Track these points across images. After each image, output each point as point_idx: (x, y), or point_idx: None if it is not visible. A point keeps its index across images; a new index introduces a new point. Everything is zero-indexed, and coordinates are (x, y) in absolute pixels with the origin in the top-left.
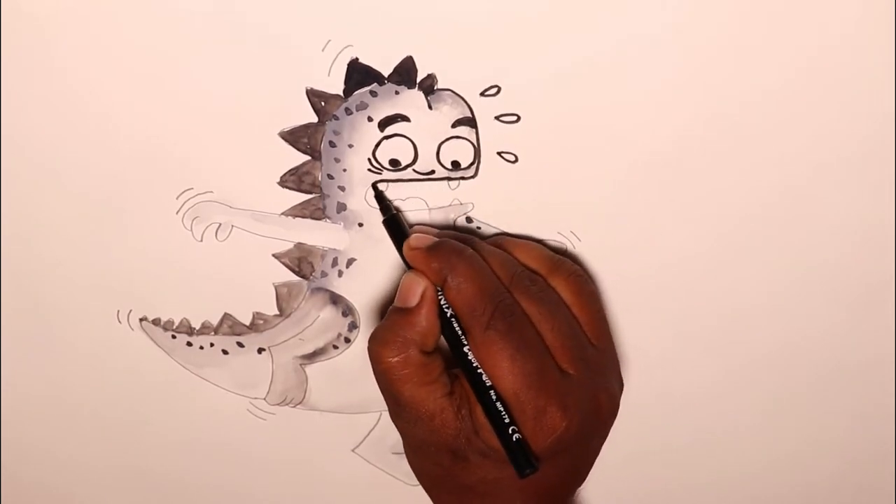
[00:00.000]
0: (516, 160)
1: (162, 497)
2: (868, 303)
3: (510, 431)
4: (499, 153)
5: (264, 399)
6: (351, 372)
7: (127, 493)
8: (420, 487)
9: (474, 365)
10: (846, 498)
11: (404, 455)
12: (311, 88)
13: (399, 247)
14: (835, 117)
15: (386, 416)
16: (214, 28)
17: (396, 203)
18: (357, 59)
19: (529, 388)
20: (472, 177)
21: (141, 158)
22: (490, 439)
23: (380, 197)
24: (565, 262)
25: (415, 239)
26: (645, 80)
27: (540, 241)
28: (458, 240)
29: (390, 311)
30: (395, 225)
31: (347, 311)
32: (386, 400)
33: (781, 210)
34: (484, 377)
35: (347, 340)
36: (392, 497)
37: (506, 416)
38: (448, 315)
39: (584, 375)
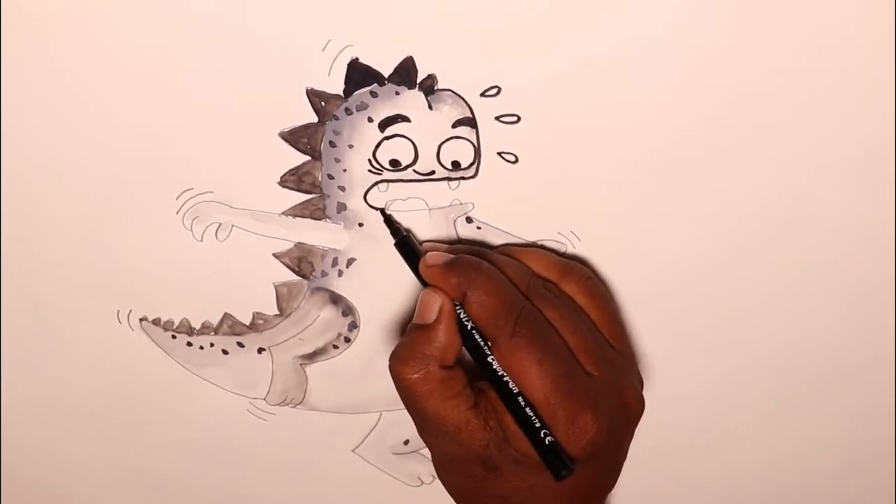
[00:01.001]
0: (516, 160)
1: (162, 497)
2: (868, 303)
3: (542, 435)
4: (499, 153)
5: (264, 399)
6: (351, 372)
7: (127, 493)
8: (420, 488)
9: (500, 374)
10: (846, 498)
11: (404, 455)
12: (312, 88)
13: (413, 266)
14: (834, 117)
15: (386, 416)
16: (214, 28)
17: (397, 203)
18: (357, 59)
19: (559, 391)
20: (473, 177)
21: (141, 158)
22: (522, 446)
23: (389, 221)
24: (575, 266)
25: (430, 257)
26: (645, 81)
27: (542, 246)
28: (470, 253)
29: (409, 328)
30: (407, 246)
31: (347, 310)
32: (412, 416)
33: (781, 210)
34: (511, 384)
35: (347, 340)
36: (392, 497)
37: (536, 421)
38: (469, 328)
39: (608, 376)
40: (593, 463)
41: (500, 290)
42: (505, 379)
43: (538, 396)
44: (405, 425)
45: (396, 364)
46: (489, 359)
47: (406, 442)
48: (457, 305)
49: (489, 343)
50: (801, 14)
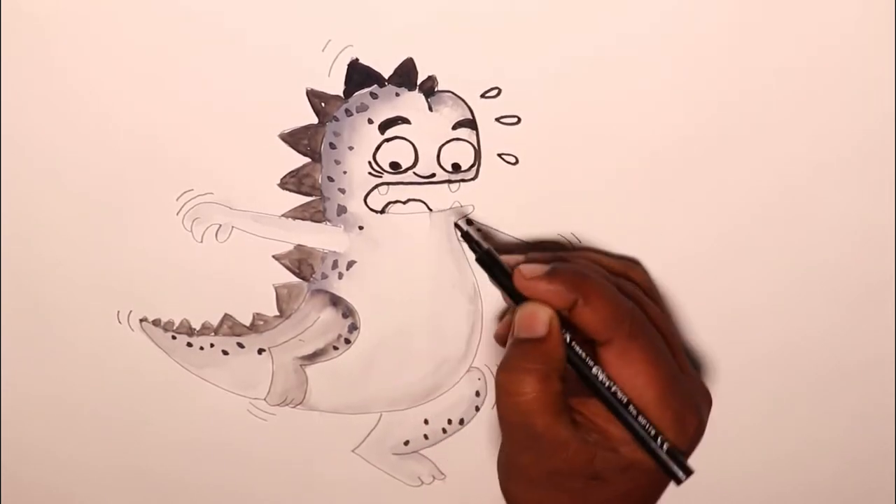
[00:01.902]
0: (517, 162)
1: (162, 497)
2: (868, 303)
3: (659, 441)
4: (499, 155)
5: (264, 399)
6: (351, 373)
7: (127, 493)
8: (420, 488)
9: (607, 384)
10: (846, 498)
11: (404, 456)
12: (312, 89)
13: (500, 281)
14: (835, 117)
15: (386, 416)
16: (214, 29)
17: (397, 206)
18: (357, 59)
19: (672, 393)
20: (473, 179)
21: (141, 159)
22: (632, 453)
23: (467, 237)
24: (634, 265)
25: (527, 270)
26: (645, 81)
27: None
28: (551, 260)
29: (516, 342)
30: (492, 260)
31: (347, 312)
32: (512, 434)
33: (782, 210)
34: (620, 394)
35: (347, 342)
36: (392, 498)
37: (651, 428)
38: (569, 339)
39: (692, 374)
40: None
41: (611, 293)
42: (613, 389)
43: (651, 399)
44: (405, 426)
45: (512, 376)
46: (594, 369)
47: (406, 442)
48: None
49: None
50: (801, 14)
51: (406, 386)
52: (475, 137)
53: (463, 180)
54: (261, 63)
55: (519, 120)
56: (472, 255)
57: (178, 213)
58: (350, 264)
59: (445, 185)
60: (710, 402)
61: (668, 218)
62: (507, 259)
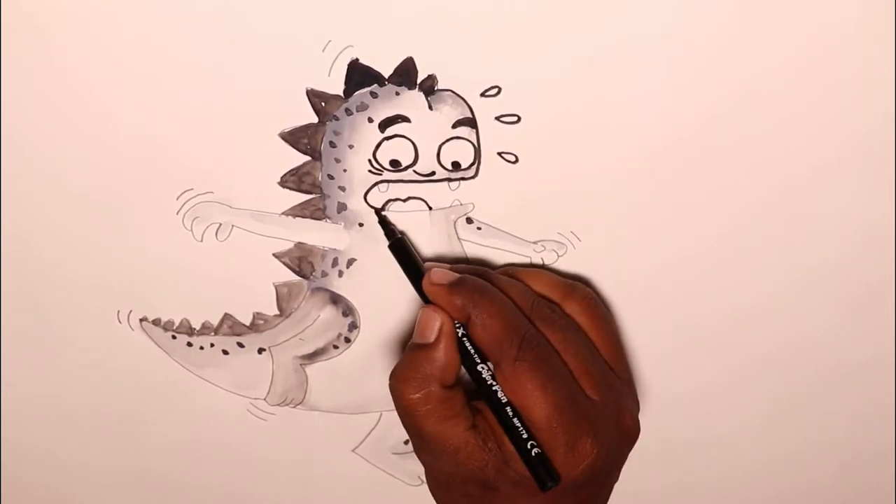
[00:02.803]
0: (517, 161)
1: (162, 497)
2: (868, 303)
3: (529, 447)
4: (499, 154)
5: (264, 399)
6: (351, 372)
7: (127, 493)
8: (420, 487)
9: (499, 396)
10: (846, 498)
11: (404, 455)
12: (312, 89)
13: (409, 272)
14: (835, 117)
15: (386, 416)
16: (214, 28)
17: (397, 203)
18: (357, 59)
19: (562, 416)
20: (473, 177)
21: (141, 158)
22: (521, 468)
23: (384, 222)
24: (578, 287)
25: (435, 274)
26: (645, 81)
27: (544, 267)
28: (473, 273)
29: (409, 347)
30: (403, 250)
31: (348, 311)
32: (410, 435)
33: (781, 210)
34: (502, 396)
35: (348, 340)
36: (392, 497)
37: (524, 432)
38: (468, 347)
39: (608, 400)
40: (589, 486)
41: (504, 314)
42: (503, 401)
43: (540, 421)
44: None
45: (396, 384)
46: (487, 381)
47: (406, 442)
48: (457, 325)
49: (489, 364)
50: (801, 14)
51: None
52: (475, 136)
53: (463, 178)
54: (261, 63)
55: (519, 119)
56: (472, 254)
57: (178, 213)
58: (350, 262)
59: (445, 183)
60: (629, 437)
61: (668, 218)
62: (429, 264)
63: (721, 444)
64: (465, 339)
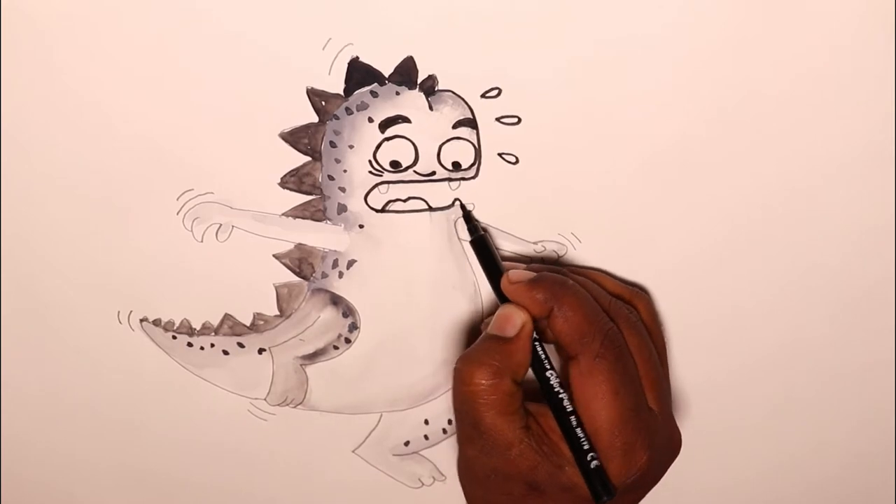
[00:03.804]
0: (517, 161)
1: (162, 497)
2: (868, 303)
3: (589, 458)
4: (499, 154)
5: (265, 399)
6: (351, 373)
7: (127, 493)
8: (420, 489)
9: (565, 404)
10: (846, 498)
11: (404, 456)
12: (312, 88)
13: (488, 270)
14: (836, 118)
15: (386, 417)
16: (214, 28)
17: (397, 204)
18: (357, 57)
19: (626, 424)
20: (473, 178)
21: (141, 159)
22: (575, 476)
23: (468, 217)
24: (642, 293)
25: (514, 274)
26: (645, 82)
27: (603, 271)
28: (550, 271)
29: (485, 336)
30: (485, 247)
31: (348, 311)
32: (461, 425)
33: (782, 211)
34: (566, 402)
35: (348, 341)
36: (392, 498)
37: (585, 443)
38: (540, 350)
39: (664, 412)
40: (630, 494)
41: (587, 307)
42: (561, 396)
43: (603, 424)
44: (405, 426)
45: (468, 366)
46: (553, 385)
47: (406, 443)
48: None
49: (553, 367)
50: (801, 16)
51: (406, 386)
52: (475, 136)
53: (463, 179)
54: (261, 62)
55: (519, 120)
56: (472, 255)
57: (178, 213)
58: (350, 263)
59: (446, 184)
60: (676, 450)
61: (668, 218)
62: (513, 265)
63: (721, 444)
64: (537, 343)
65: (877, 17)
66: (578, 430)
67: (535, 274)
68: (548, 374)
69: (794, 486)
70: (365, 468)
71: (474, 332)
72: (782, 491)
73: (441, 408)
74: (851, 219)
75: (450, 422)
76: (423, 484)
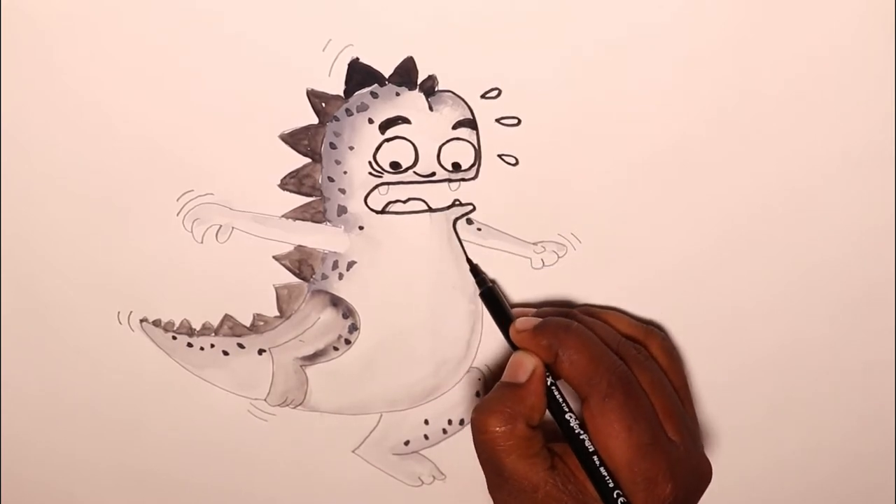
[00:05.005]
0: (517, 162)
1: (162, 497)
2: (868, 303)
3: (615, 495)
4: (499, 155)
5: (265, 400)
6: (351, 373)
7: (127, 493)
8: (420, 488)
9: (586, 445)
10: (846, 498)
11: (404, 456)
12: (312, 89)
13: (499, 320)
14: (836, 117)
15: (386, 417)
16: (215, 28)
17: (397, 205)
18: (357, 59)
19: (644, 458)
20: (473, 178)
21: (141, 160)
22: None
23: (475, 271)
24: (654, 331)
25: (520, 322)
26: (645, 82)
27: (618, 309)
28: (558, 314)
29: (498, 385)
30: (494, 299)
31: (348, 313)
32: (487, 471)
33: (782, 210)
34: (589, 445)
35: (348, 342)
36: (392, 498)
37: (610, 482)
38: (555, 392)
39: (688, 443)
40: None
41: (591, 349)
42: (582, 437)
43: (621, 460)
44: (405, 426)
45: (482, 416)
46: (573, 427)
47: (406, 443)
48: (547, 375)
49: (571, 409)
50: (801, 15)
51: (406, 386)
52: (475, 137)
53: (463, 179)
54: (261, 63)
55: (519, 121)
56: (472, 257)
57: (178, 214)
58: (350, 265)
59: (446, 184)
60: (705, 478)
61: (668, 219)
62: (521, 312)
63: (721, 444)
64: (553, 387)
65: (877, 17)
66: (602, 469)
67: (539, 320)
68: (567, 416)
69: (794, 486)
70: (365, 468)
71: (474, 333)
72: (782, 491)
73: (441, 408)
74: (851, 219)
75: (450, 422)
76: (423, 483)
